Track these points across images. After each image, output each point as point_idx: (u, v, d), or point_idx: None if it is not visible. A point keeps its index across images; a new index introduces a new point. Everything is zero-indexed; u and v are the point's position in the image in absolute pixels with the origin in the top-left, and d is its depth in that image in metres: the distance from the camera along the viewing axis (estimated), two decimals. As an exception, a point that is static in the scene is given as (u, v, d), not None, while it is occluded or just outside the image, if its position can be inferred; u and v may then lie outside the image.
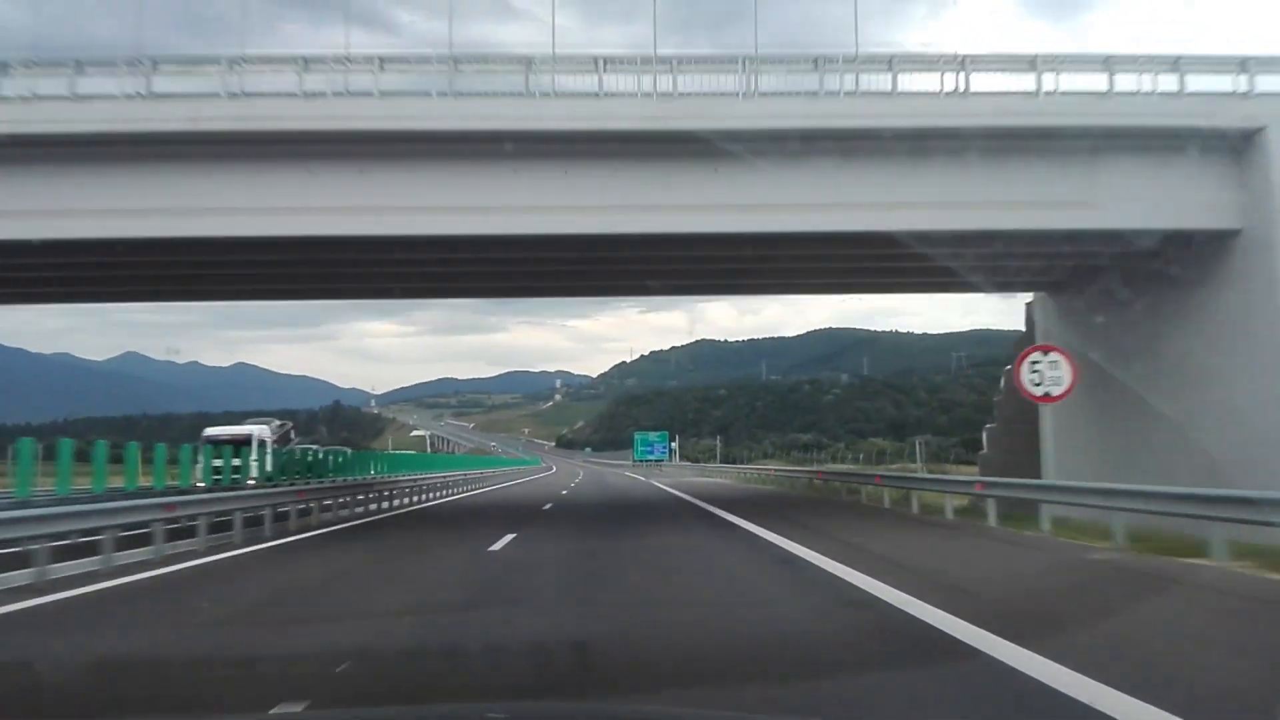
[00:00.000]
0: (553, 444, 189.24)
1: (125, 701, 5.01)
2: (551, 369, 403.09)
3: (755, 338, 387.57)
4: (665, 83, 14.19)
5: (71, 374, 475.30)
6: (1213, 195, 14.57)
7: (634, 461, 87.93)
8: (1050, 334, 19.52)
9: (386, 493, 23.20)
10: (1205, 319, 15.53)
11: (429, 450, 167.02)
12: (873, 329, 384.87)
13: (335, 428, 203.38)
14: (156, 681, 5.38)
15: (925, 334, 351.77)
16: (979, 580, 9.09)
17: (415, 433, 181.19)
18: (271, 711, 4.16)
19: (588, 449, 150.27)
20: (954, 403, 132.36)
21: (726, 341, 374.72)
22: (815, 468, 43.67)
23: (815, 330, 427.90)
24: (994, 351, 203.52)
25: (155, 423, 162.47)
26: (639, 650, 5.96)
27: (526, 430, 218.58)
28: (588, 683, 5.21)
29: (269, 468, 21.62)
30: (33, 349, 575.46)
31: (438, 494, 29.98)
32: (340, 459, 26.47)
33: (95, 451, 14.54)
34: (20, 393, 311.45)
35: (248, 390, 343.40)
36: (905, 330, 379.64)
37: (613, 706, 3.97)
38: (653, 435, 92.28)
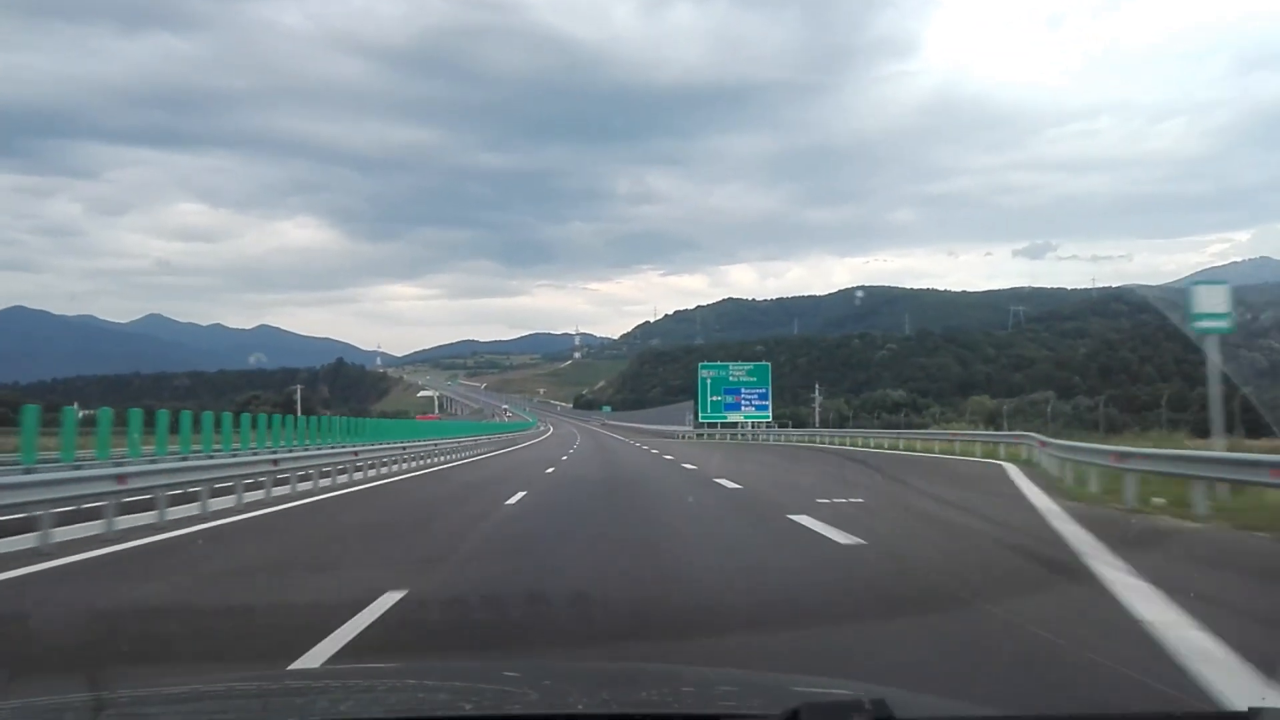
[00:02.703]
0: (569, 404, 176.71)
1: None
2: (573, 331, 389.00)
3: (784, 296, 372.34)
4: None
5: (95, 336, 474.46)
6: None
7: (697, 424, 59.50)
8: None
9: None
10: None
11: (436, 411, 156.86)
12: (906, 287, 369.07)
13: (337, 388, 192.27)
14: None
15: (965, 291, 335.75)
16: None
17: (422, 393, 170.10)
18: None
19: (606, 408, 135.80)
20: (1025, 359, 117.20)
21: (754, 300, 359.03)
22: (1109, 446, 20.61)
23: (847, 288, 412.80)
24: (1048, 307, 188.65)
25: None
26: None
27: (542, 390, 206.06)
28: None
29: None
30: (55, 311, 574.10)
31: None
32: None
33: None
34: (44, 356, 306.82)
35: (269, 351, 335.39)
36: (943, 288, 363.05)
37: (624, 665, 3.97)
38: (738, 371, 58.64)
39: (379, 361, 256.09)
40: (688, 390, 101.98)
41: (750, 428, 58.42)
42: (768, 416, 59.65)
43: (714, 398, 59.86)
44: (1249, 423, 17.82)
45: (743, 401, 59.22)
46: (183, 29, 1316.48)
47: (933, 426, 54.19)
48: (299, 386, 79.84)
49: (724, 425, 58.70)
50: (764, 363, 66.88)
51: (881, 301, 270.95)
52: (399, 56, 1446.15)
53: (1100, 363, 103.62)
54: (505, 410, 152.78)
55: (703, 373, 62.48)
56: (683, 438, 58.12)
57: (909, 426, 52.08)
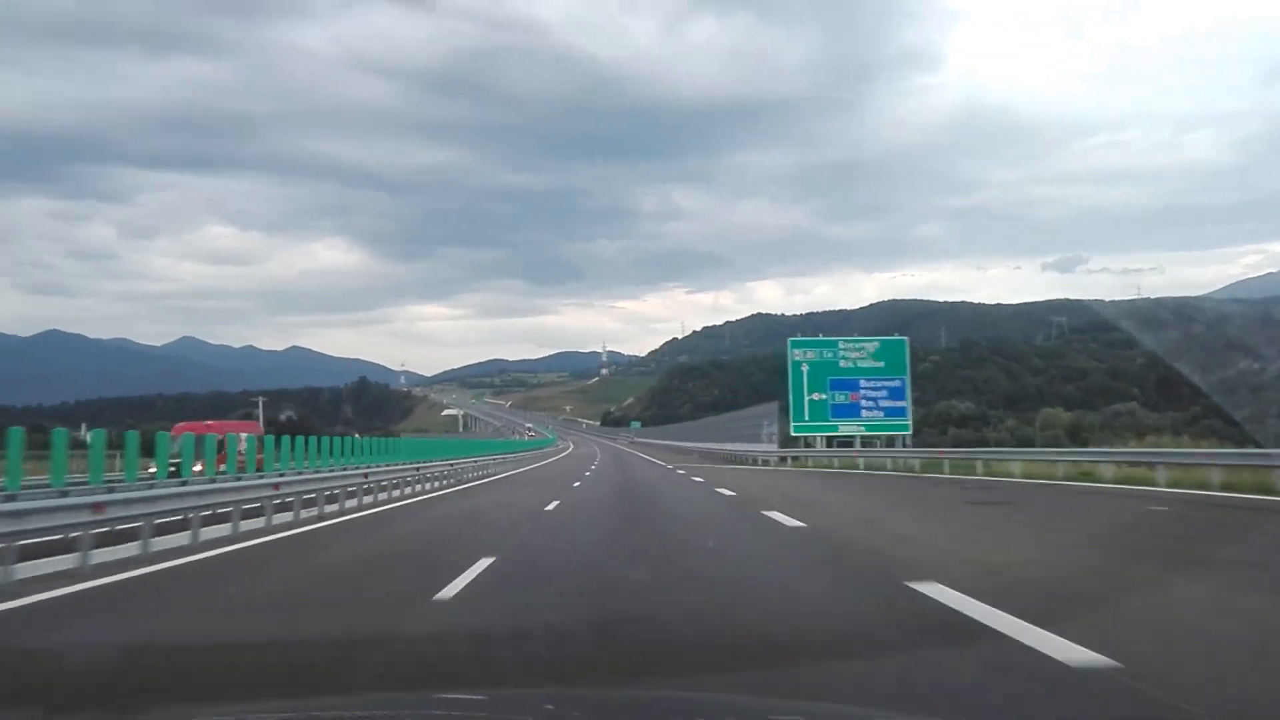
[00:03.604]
0: (596, 422, 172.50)
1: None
2: (600, 350, 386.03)
3: (814, 311, 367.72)
4: None
5: (129, 359, 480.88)
6: None
7: (786, 439, 40.56)
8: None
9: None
10: None
11: (460, 430, 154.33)
12: (938, 300, 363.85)
13: (361, 408, 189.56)
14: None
15: (1000, 304, 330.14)
16: None
17: (446, 412, 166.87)
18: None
19: (635, 423, 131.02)
20: (1076, 370, 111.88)
21: (783, 315, 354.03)
22: None
23: (878, 303, 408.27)
24: (1087, 320, 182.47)
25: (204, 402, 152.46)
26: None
27: (568, 408, 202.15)
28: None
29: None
30: (91, 335, 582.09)
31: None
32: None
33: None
34: (78, 378, 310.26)
35: (301, 373, 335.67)
36: (975, 301, 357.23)
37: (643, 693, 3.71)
38: (854, 352, 39.72)
39: (403, 380, 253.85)
40: (720, 406, 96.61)
41: (871, 445, 39.45)
42: (906, 427, 40.34)
43: (814, 396, 39.93)
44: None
45: (864, 401, 39.72)
46: (207, 53, 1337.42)
47: (1037, 442, 47.05)
48: (261, 400, 75.28)
49: (836, 442, 39.88)
50: (899, 338, 43.28)
51: (915, 315, 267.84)
52: (423, 78, 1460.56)
53: (1159, 374, 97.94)
54: (529, 429, 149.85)
55: (795, 353, 40.82)
56: (760, 463, 40.95)
57: (979, 443, 46.68)
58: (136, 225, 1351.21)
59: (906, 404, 40.65)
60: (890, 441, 38.94)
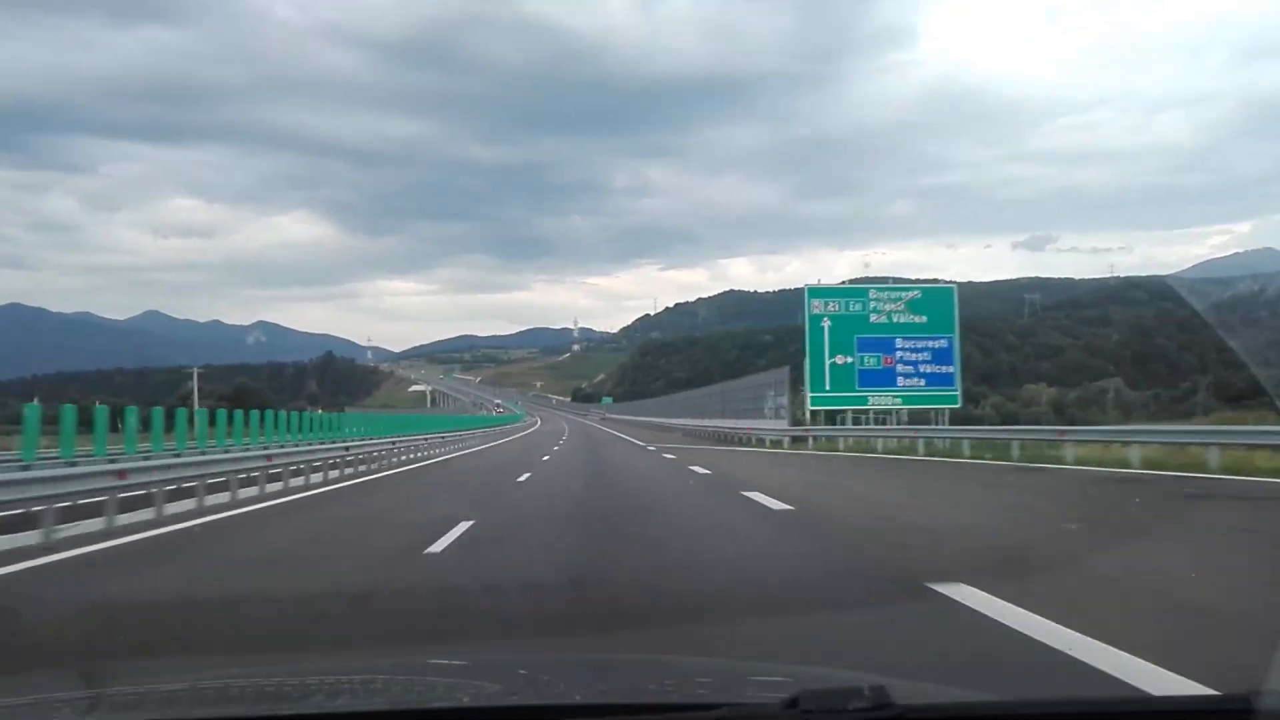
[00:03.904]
0: (567, 398, 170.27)
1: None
2: (572, 326, 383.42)
3: (787, 288, 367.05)
4: None
5: (92, 332, 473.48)
6: None
7: (800, 415, 33.66)
8: None
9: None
10: None
11: (429, 405, 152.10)
12: (910, 277, 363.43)
13: (326, 383, 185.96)
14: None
15: (972, 281, 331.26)
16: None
17: (414, 388, 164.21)
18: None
19: (606, 399, 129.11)
20: (1051, 347, 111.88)
21: (756, 292, 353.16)
22: None
23: (853, 280, 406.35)
24: (1064, 297, 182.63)
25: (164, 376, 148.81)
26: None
27: (539, 384, 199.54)
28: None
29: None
30: (53, 308, 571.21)
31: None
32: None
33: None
34: (40, 353, 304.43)
35: (268, 348, 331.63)
36: (947, 279, 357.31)
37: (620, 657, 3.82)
38: (889, 304, 33.40)
39: (369, 356, 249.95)
40: (694, 382, 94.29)
41: (893, 419, 33.03)
42: (955, 398, 33.68)
43: (837, 359, 32.97)
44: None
45: (899, 366, 33.10)
46: (172, 20, 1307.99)
47: (1042, 421, 42.36)
48: (195, 370, 72.90)
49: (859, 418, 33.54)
50: (946, 285, 37.88)
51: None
52: (391, 48, 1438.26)
53: (1134, 351, 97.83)
54: (497, 404, 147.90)
55: (814, 304, 33.71)
56: (765, 445, 33.74)
57: (971, 420, 44.64)
58: (100, 197, 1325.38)
59: (955, 369, 33.79)
60: (924, 418, 32.29)
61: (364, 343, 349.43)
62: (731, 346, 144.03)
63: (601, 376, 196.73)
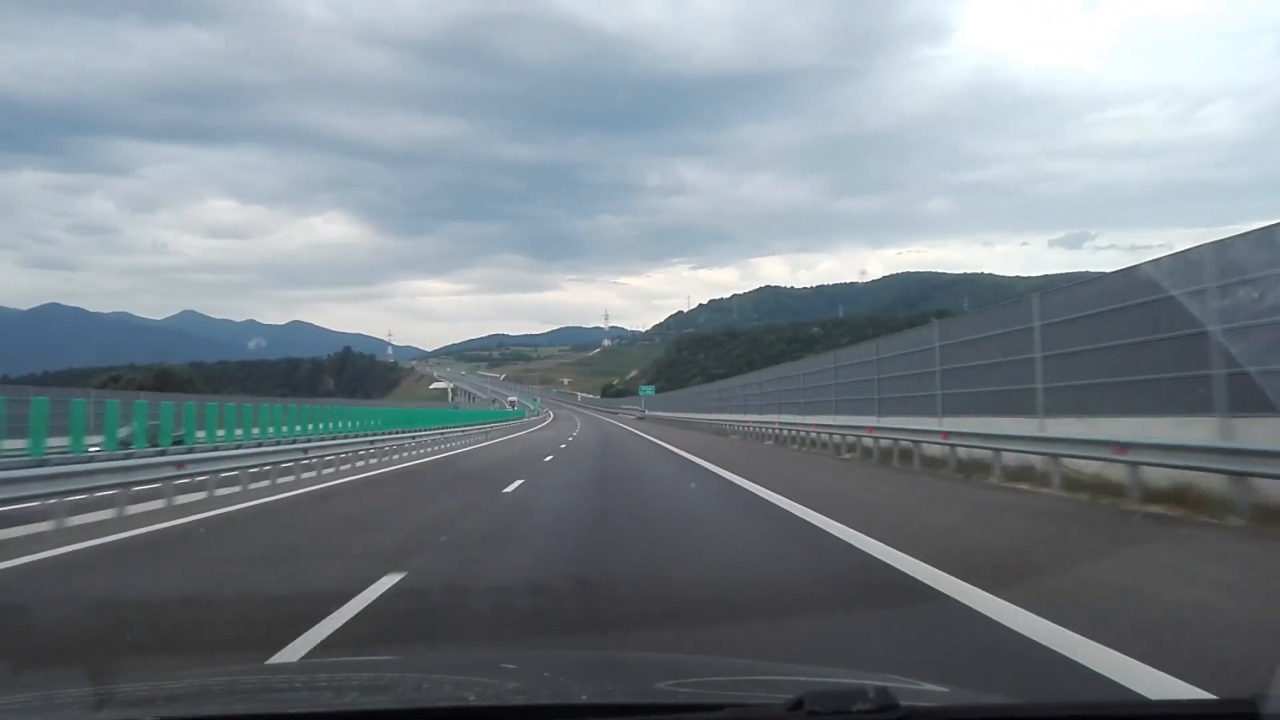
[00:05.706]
0: (596, 395, 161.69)
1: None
2: (603, 324, 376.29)
3: (824, 284, 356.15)
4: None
5: (130, 331, 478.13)
6: None
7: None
8: None
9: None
10: None
11: (449, 401, 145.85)
12: (952, 273, 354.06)
13: (344, 379, 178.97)
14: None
15: (1019, 276, 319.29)
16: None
17: (435, 384, 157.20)
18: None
19: (646, 389, 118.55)
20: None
21: (792, 288, 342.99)
22: None
23: (892, 275, 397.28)
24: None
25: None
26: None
27: (566, 380, 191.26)
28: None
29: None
30: (91, 309, 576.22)
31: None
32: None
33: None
34: (78, 351, 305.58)
35: (301, 347, 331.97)
36: (990, 272, 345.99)
37: (613, 654, 3.88)
38: None
39: (390, 352, 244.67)
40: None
41: None
42: None
43: None
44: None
45: None
46: (205, 21, 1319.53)
47: None
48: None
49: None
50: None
51: (933, 287, 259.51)
52: (424, 47, 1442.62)
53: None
54: (510, 400, 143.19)
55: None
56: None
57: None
58: (138, 198, 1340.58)
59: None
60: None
61: (398, 342, 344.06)
62: (775, 340, 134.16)
63: (634, 373, 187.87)
